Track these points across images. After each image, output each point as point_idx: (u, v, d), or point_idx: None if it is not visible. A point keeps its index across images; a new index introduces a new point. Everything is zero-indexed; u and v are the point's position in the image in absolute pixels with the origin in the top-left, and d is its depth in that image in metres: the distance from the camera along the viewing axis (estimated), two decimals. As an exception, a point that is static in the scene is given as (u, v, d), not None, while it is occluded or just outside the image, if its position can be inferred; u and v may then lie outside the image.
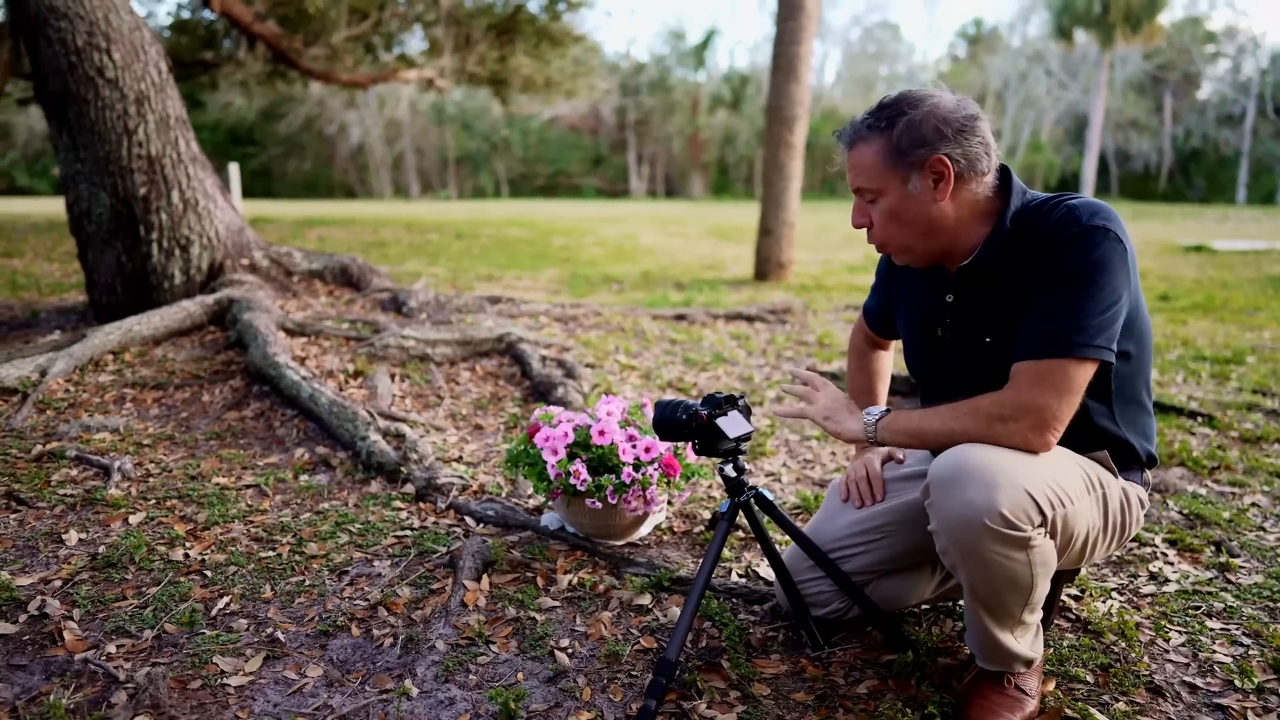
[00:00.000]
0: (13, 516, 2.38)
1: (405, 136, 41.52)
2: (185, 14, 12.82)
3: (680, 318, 5.44)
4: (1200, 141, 36.88)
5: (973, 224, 1.52)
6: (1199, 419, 3.52)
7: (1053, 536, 1.42)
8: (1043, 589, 1.45)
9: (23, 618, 1.85)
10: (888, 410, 1.59)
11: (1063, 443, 1.49)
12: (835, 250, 11.78)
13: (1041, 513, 1.37)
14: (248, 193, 19.49)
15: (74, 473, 2.70)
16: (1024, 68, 38.94)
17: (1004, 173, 1.54)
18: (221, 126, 33.43)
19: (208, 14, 11.43)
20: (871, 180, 1.52)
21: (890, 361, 2.02)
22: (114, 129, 4.22)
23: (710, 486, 2.74)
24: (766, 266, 8.13)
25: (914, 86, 1.56)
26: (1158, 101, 37.31)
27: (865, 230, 1.59)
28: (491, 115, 38.26)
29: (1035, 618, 1.53)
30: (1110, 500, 1.53)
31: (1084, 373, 1.42)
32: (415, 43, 14.61)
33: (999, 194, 1.53)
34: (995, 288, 1.52)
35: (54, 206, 17.45)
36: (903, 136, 1.47)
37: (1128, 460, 1.59)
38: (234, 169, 15.65)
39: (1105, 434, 1.55)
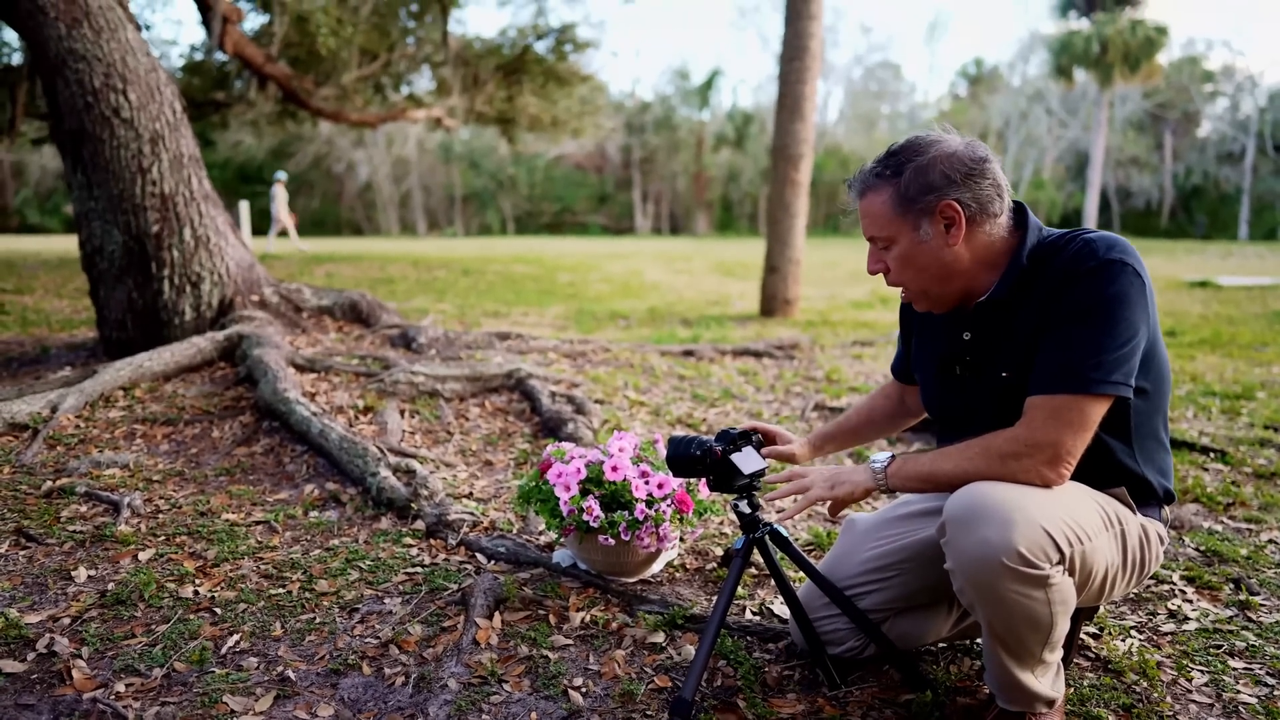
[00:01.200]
0: (22, 553, 2.37)
1: (413, 174, 42.02)
2: (198, 55, 13.08)
3: (688, 354, 5.45)
4: (1201, 179, 37.14)
5: (989, 264, 1.52)
6: (1211, 454, 3.50)
7: (1071, 574, 1.40)
8: (1062, 627, 1.43)
9: (31, 656, 1.84)
10: (893, 456, 1.57)
11: (1082, 480, 1.48)
12: (841, 286, 11.82)
13: (1059, 550, 1.36)
14: (256, 230, 19.69)
15: (84, 509, 2.70)
16: (1025, 106, 39.40)
17: (1019, 210, 1.55)
18: (231, 164, 33.88)
19: (220, 55, 11.66)
20: (882, 229, 1.53)
21: (894, 421, 1.95)
22: (128, 167, 4.29)
23: (722, 523, 2.72)
24: (773, 303, 8.15)
25: (919, 127, 1.57)
26: (1158, 139, 37.66)
27: (884, 275, 1.59)
28: (498, 153, 38.72)
29: (1056, 656, 1.50)
30: (1129, 537, 1.52)
31: (1099, 408, 1.41)
32: (424, 83, 14.86)
33: (1015, 232, 1.53)
34: (1012, 323, 1.52)
35: (65, 244, 17.64)
36: (910, 184, 1.48)
37: (1146, 497, 1.58)
38: (244, 206, 15.82)
39: (1124, 471, 1.54)
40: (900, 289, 1.60)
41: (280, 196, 17.78)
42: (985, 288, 1.54)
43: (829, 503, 1.60)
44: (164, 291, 4.43)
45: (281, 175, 18.29)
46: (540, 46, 13.25)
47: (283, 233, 18.59)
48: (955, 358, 1.62)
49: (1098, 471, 1.51)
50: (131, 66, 4.27)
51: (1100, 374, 1.39)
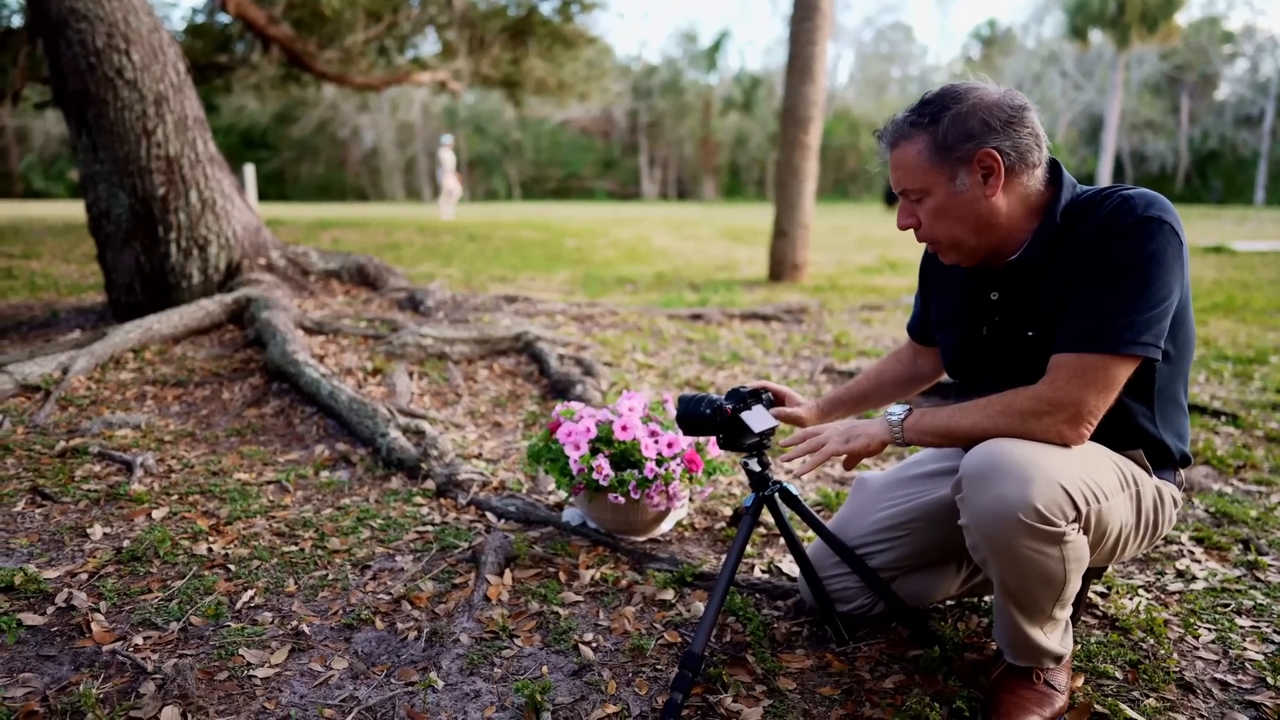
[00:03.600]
0: (38, 511, 2.40)
1: (418, 140, 41.69)
2: (200, 18, 12.92)
3: (696, 317, 5.43)
4: (1218, 143, 36.53)
5: (1024, 218, 1.48)
6: (1223, 418, 3.49)
7: (1086, 532, 1.40)
8: (1074, 585, 1.43)
9: (50, 609, 1.87)
10: (910, 409, 1.54)
11: (1099, 442, 1.47)
12: (850, 252, 11.74)
13: (1076, 508, 1.35)
14: (261, 196, 19.59)
15: (97, 468, 2.72)
16: (1038, 69, 38.72)
17: (1053, 166, 1.50)
18: (235, 130, 33.66)
19: (222, 17, 11.52)
20: (916, 179, 1.47)
21: (906, 385, 1.93)
22: (133, 129, 4.26)
23: (730, 484, 2.73)
24: (781, 268, 8.10)
25: (958, 81, 1.48)
26: (1174, 102, 37.00)
27: (913, 231, 1.53)
28: (504, 118, 38.38)
29: (1065, 613, 1.51)
30: (1144, 498, 1.51)
31: (1126, 369, 1.39)
32: (428, 45, 14.67)
33: (1049, 187, 1.48)
34: (1042, 281, 1.48)
35: (70, 210, 17.62)
36: (948, 132, 1.42)
37: (1162, 460, 1.56)
38: (249, 170, 15.74)
39: (1143, 434, 1.52)
40: (929, 243, 1.54)
41: (448, 161, 17.94)
42: (1017, 244, 1.49)
43: (844, 457, 1.58)
44: (171, 255, 4.42)
45: (448, 139, 18.38)
46: (546, 8, 13.04)
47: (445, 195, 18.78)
48: (982, 318, 1.58)
49: (1117, 435, 1.49)
50: (134, 26, 4.22)
51: (1131, 334, 1.36)
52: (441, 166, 18.08)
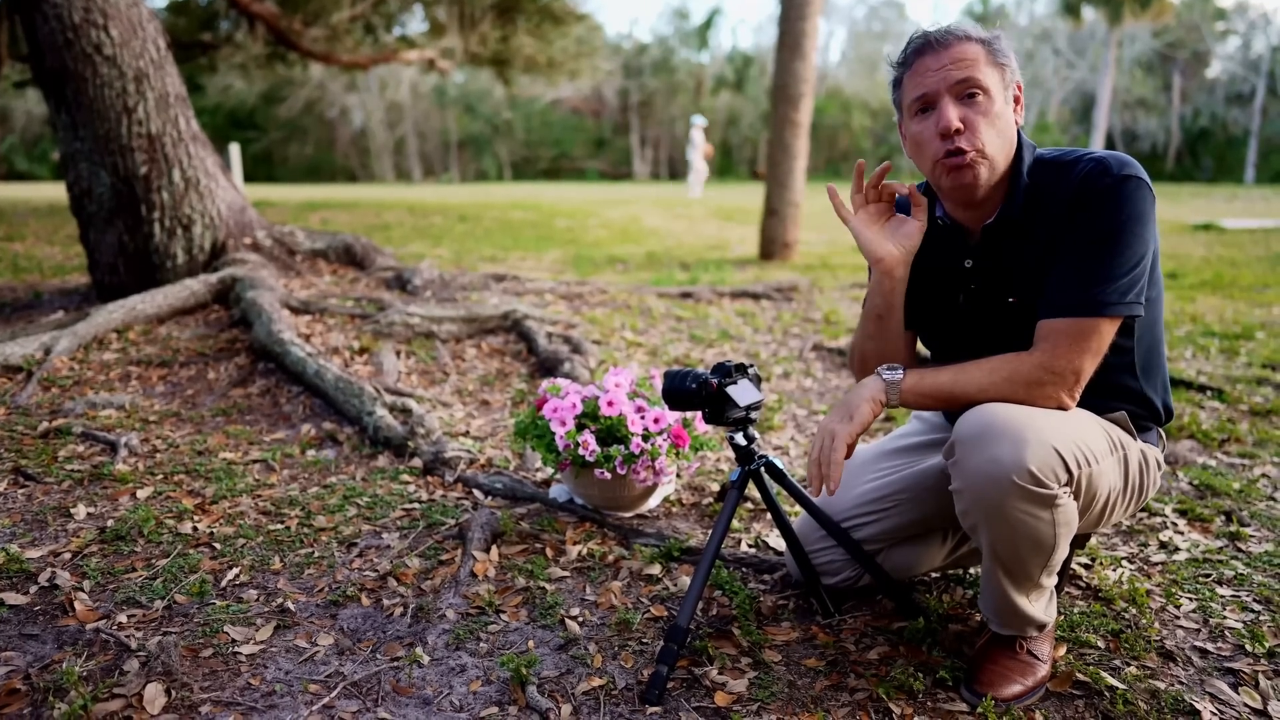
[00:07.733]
0: (20, 491, 2.38)
1: (407, 120, 41.26)
2: (183, -6, 12.71)
3: (686, 295, 5.42)
4: (1209, 121, 36.46)
5: (1009, 161, 1.48)
6: (1208, 393, 3.50)
7: (1076, 496, 1.40)
8: (1063, 550, 1.43)
9: (33, 589, 1.85)
10: (905, 371, 1.49)
11: (1085, 397, 1.48)
12: (841, 231, 11.70)
13: (1069, 471, 1.36)
14: (249, 177, 19.37)
15: (81, 449, 2.70)
16: (1031, 46, 38.54)
17: None
18: (221, 110, 33.19)
19: (206, -6, 11.35)
20: (982, 76, 1.42)
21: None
22: (113, 107, 4.19)
23: (718, 460, 2.73)
24: (772, 246, 8.07)
25: None
26: (1166, 80, 36.90)
27: (940, 141, 1.42)
28: (494, 98, 38.00)
29: (1051, 582, 1.52)
30: (1130, 461, 1.52)
31: (1113, 330, 1.43)
32: (416, 23, 14.50)
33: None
34: (1018, 246, 1.49)
35: (54, 191, 17.40)
36: (1002, 50, 1.45)
37: (1145, 419, 1.58)
38: (234, 149, 15.57)
39: (1125, 390, 1.54)
40: (962, 153, 1.41)
41: (699, 142, 18.39)
42: (998, 197, 1.49)
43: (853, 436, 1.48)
44: (155, 234, 4.37)
45: (700, 120, 19.00)
46: (534, -17, 12.87)
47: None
48: (957, 288, 1.58)
49: (1101, 389, 1.50)
50: (111, 1, 4.14)
51: (1118, 295, 1.39)
52: (693, 146, 18.53)
